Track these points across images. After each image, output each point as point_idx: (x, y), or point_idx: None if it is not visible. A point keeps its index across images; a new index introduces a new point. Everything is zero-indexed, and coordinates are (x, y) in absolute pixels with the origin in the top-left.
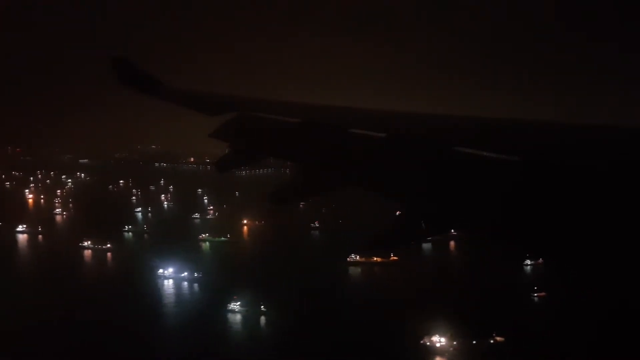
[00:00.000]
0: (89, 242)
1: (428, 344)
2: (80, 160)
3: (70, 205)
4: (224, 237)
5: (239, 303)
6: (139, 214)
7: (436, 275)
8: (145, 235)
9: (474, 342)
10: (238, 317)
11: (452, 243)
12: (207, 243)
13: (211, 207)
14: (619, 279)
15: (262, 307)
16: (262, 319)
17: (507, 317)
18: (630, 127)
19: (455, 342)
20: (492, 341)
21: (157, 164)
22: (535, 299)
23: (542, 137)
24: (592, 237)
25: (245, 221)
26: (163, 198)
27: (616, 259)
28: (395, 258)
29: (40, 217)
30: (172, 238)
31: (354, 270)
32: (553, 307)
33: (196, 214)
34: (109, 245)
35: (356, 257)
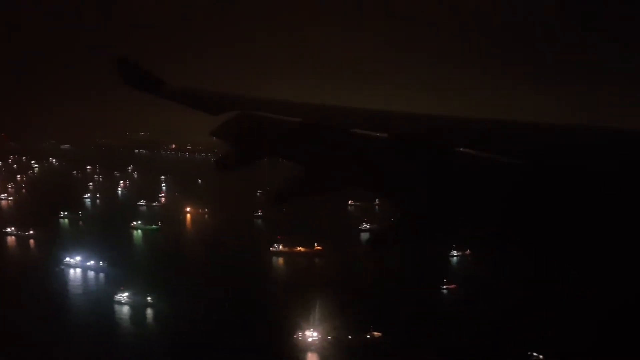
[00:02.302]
0: (13, 228)
1: (300, 338)
2: (62, 146)
3: (23, 190)
4: (155, 225)
5: (126, 294)
6: (87, 200)
7: (352, 267)
8: (80, 222)
9: (350, 337)
10: (123, 308)
11: None
12: (138, 231)
13: (163, 195)
14: (619, 279)
15: (148, 298)
16: (148, 310)
17: (398, 312)
18: (630, 129)
19: (330, 337)
20: (368, 336)
21: (136, 151)
22: (445, 291)
23: (544, 139)
24: (593, 238)
25: (188, 209)
26: (122, 184)
27: (617, 259)
28: (319, 248)
29: None
30: (105, 225)
31: (275, 261)
32: (456, 300)
33: (142, 201)
34: (31, 232)
35: (279, 246)
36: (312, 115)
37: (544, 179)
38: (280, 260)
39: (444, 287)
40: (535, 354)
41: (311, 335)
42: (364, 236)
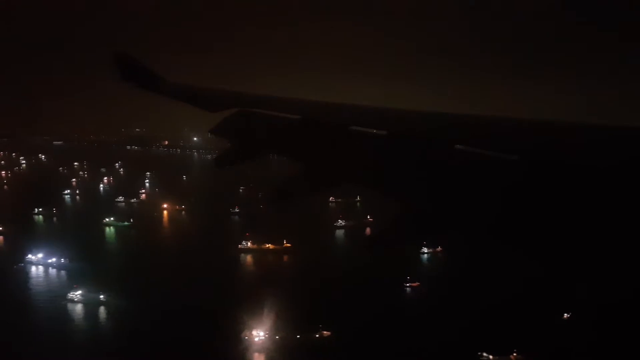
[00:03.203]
0: None
1: (247, 338)
2: (55, 142)
3: (5, 187)
4: (126, 221)
5: (79, 292)
6: (66, 196)
7: (317, 265)
8: (54, 218)
9: (298, 336)
10: (75, 306)
11: (367, 230)
12: (110, 227)
13: (143, 191)
14: (618, 278)
15: (101, 297)
16: (100, 309)
17: (353, 311)
18: (630, 127)
19: (277, 337)
20: (317, 335)
21: (128, 147)
22: (408, 289)
23: (543, 136)
24: (592, 236)
25: (165, 206)
26: (106, 180)
27: (616, 258)
28: (288, 245)
29: None
30: (77, 221)
31: (241, 258)
32: (416, 298)
33: (120, 198)
34: (0, 229)
35: (247, 244)
36: (311, 112)
37: (544, 176)
38: (246, 257)
39: (407, 284)
40: (485, 354)
41: (257, 334)
42: (339, 233)
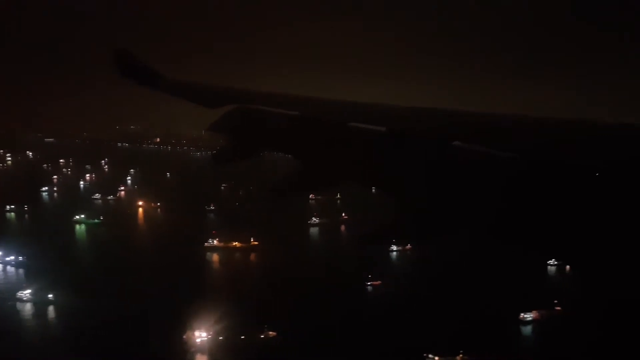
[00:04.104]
0: None
1: (188, 339)
2: (46, 139)
3: None
4: (97, 219)
5: (28, 291)
6: (44, 193)
7: (281, 263)
8: (26, 215)
9: (242, 337)
10: (24, 305)
11: (342, 227)
12: (80, 225)
13: (122, 188)
14: (618, 276)
15: (49, 296)
16: (49, 308)
17: (306, 310)
18: (629, 124)
19: (221, 338)
20: (262, 336)
21: (119, 144)
22: (369, 288)
23: (542, 134)
24: (592, 234)
25: (140, 203)
26: (88, 177)
27: (616, 256)
28: (255, 243)
29: None
30: (48, 219)
31: (205, 257)
32: (375, 297)
33: (97, 195)
34: None
35: (213, 241)
36: (310, 109)
37: (543, 175)
38: (211, 255)
39: (368, 283)
40: (430, 355)
41: (200, 335)
42: (312, 231)
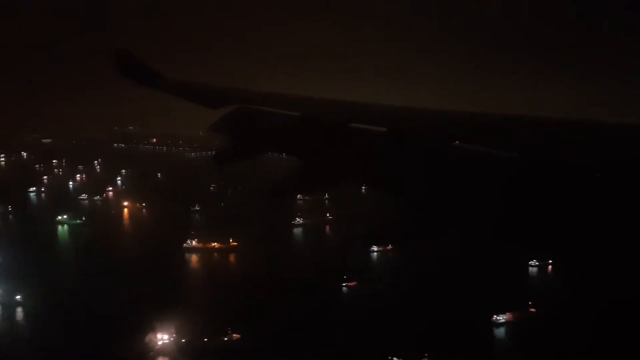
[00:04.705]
0: None
1: (149, 342)
2: (43, 140)
3: None
4: (79, 219)
5: None
6: (31, 194)
7: (258, 264)
8: (10, 216)
9: (206, 339)
10: None
11: (327, 228)
12: (63, 225)
13: (110, 189)
14: (617, 276)
15: (17, 297)
16: (18, 310)
17: (276, 312)
18: (629, 124)
19: (184, 340)
20: (225, 339)
21: (115, 145)
22: (344, 289)
23: (542, 134)
24: (592, 233)
25: (126, 204)
26: (78, 178)
27: (615, 256)
28: (234, 244)
29: None
30: (31, 219)
31: (181, 258)
32: (349, 298)
33: (84, 195)
34: None
35: (192, 242)
36: (310, 109)
37: (543, 175)
38: (189, 256)
39: (344, 284)
40: (395, 358)
41: (162, 338)
42: (296, 231)
